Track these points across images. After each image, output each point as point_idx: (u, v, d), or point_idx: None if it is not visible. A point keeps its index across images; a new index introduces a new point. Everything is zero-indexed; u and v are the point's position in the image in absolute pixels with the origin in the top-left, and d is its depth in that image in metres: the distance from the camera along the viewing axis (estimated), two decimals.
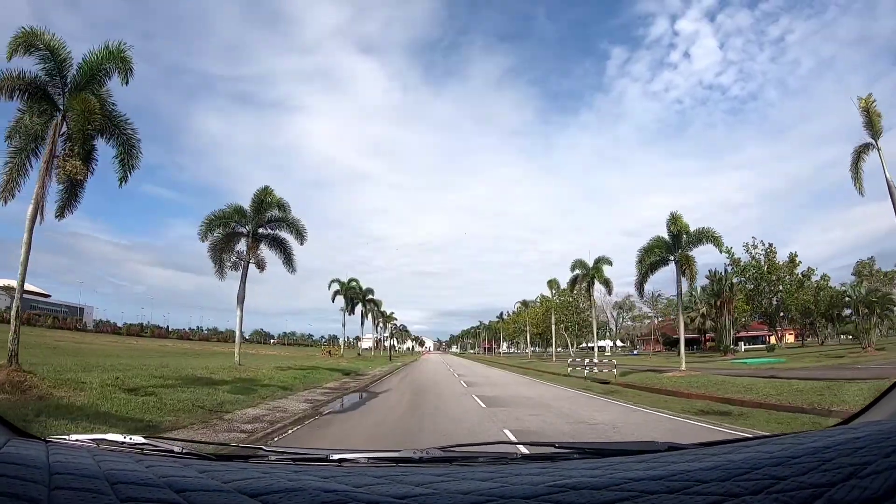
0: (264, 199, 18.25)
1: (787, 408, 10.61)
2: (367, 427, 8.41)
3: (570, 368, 23.01)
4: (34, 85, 10.54)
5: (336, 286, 38.14)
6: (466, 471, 0.85)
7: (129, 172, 11.59)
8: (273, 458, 1.16)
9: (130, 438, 1.16)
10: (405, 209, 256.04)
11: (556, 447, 1.24)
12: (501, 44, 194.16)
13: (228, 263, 18.26)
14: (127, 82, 11.29)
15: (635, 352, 61.58)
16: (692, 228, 19.93)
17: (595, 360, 23.29)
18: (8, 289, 63.32)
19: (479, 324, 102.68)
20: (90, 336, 51.04)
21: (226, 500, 0.61)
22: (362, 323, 45.36)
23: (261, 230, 18.80)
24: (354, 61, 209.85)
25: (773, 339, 57.57)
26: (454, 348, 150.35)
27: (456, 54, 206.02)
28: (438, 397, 12.78)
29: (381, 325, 56.96)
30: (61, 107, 11.12)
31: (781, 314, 48.53)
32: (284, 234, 19.02)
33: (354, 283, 39.44)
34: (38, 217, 10.14)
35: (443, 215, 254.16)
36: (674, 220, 19.55)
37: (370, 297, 43.21)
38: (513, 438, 6.61)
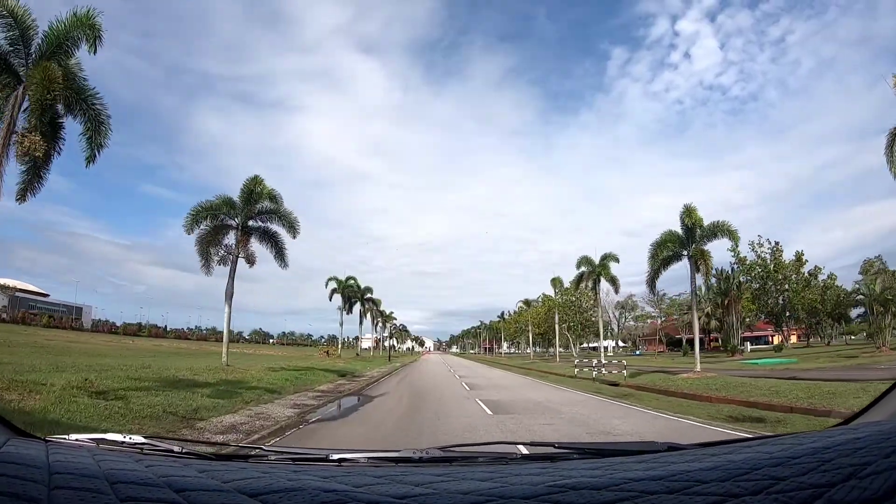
0: (254, 190, 17.07)
1: (823, 412, 9.50)
2: (356, 438, 7.27)
3: (577, 370, 21.81)
4: None
5: (333, 284, 36.88)
6: (466, 471, 0.84)
7: (98, 151, 10.50)
8: (273, 457, 1.14)
9: (130, 438, 1.14)
10: (405, 209, 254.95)
11: (555, 447, 1.20)
12: (502, 44, 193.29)
13: (216, 258, 17.09)
14: (95, 51, 10.19)
15: (637, 352, 60.35)
16: (703, 223, 18.81)
17: (603, 361, 22.09)
18: (3, 288, 62.69)
19: (479, 323, 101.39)
20: (85, 336, 49.81)
21: (225, 499, 0.61)
22: (360, 322, 44.13)
23: (251, 223, 17.62)
24: (355, 61, 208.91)
25: (776, 339, 56.51)
26: (454, 348, 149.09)
27: (456, 54, 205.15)
28: (439, 402, 11.60)
29: (380, 324, 55.68)
30: (25, 79, 10.01)
31: (788, 314, 47.33)
32: (276, 227, 17.86)
33: (352, 282, 38.12)
34: None
35: (443, 215, 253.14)
36: (688, 212, 18.38)
37: (369, 295, 41.96)
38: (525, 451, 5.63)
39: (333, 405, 11.24)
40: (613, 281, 26.61)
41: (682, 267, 19.63)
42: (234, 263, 17.11)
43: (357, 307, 41.15)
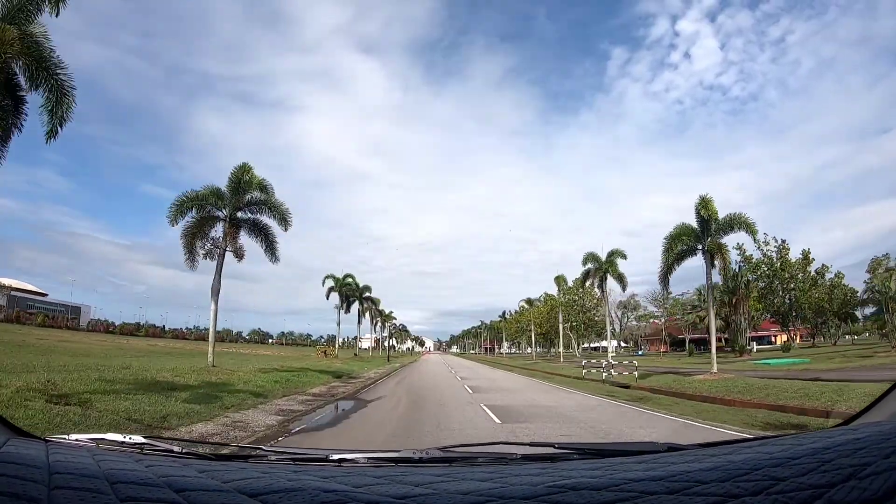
0: (242, 179, 15.91)
1: None
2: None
3: (584, 370, 20.63)
4: None
5: (330, 282, 35.55)
6: (466, 471, 0.83)
7: (60, 126, 9.38)
8: (273, 457, 1.13)
9: (130, 438, 1.13)
10: (405, 209, 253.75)
11: (555, 448, 1.18)
12: (502, 44, 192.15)
13: (202, 251, 15.91)
14: (58, 13, 9.06)
15: (640, 352, 59.15)
16: (718, 216, 17.66)
17: (612, 362, 20.91)
18: (1, 287, 61.71)
19: (480, 323, 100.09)
20: (80, 335, 48.63)
21: (225, 499, 0.61)
22: (359, 322, 42.84)
23: (239, 214, 16.45)
24: (355, 61, 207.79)
25: (779, 339, 55.38)
26: (454, 348, 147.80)
27: (456, 54, 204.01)
28: (440, 407, 10.43)
29: (379, 324, 54.41)
30: None
31: (794, 313, 46.16)
32: (266, 220, 16.69)
33: (350, 280, 36.80)
34: None
35: (443, 215, 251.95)
36: (704, 203, 17.21)
37: (367, 294, 40.69)
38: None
39: (323, 411, 10.07)
40: (621, 278, 25.45)
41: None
42: (222, 258, 15.94)
43: (355, 306, 39.93)
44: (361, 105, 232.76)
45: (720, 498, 0.56)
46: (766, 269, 43.26)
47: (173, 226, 15.66)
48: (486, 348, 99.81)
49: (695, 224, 17.94)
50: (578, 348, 52.54)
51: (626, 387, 17.69)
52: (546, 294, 47.66)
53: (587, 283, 27.52)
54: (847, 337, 55.38)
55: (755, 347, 46.49)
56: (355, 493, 0.62)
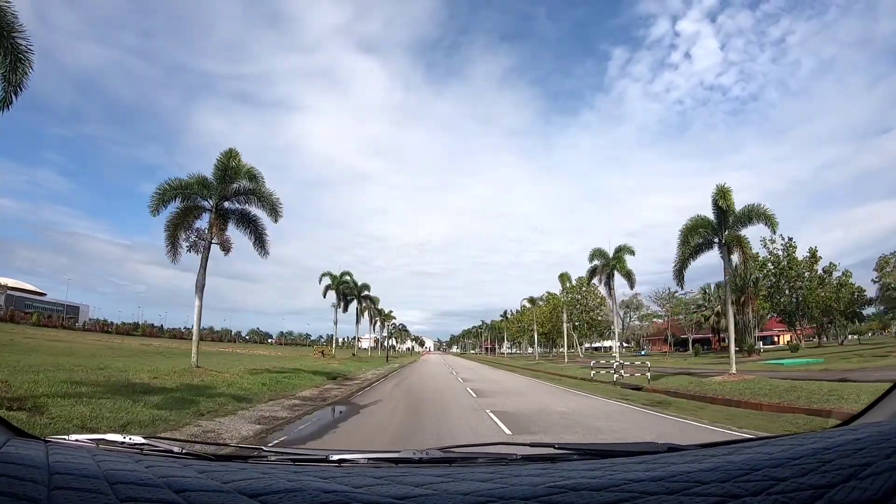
0: (229, 166, 14.73)
1: None
2: None
3: (592, 371, 19.44)
4: None
5: (327, 280, 34.25)
6: (466, 472, 0.82)
7: (15, 94, 8.24)
8: (272, 458, 1.11)
9: (130, 438, 1.12)
10: (405, 209, 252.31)
11: (555, 448, 1.16)
12: (502, 44, 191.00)
13: (186, 244, 14.74)
14: None
15: (642, 352, 57.97)
16: (735, 208, 16.51)
17: (622, 363, 19.71)
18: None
19: (480, 323, 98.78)
20: (75, 335, 47.31)
21: (225, 500, 0.60)
22: (357, 321, 41.51)
23: (226, 204, 15.28)
24: (355, 61, 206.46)
25: (783, 339, 54.21)
26: (454, 348, 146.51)
27: (457, 54, 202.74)
28: (442, 414, 9.23)
29: (378, 323, 53.12)
30: None
31: (802, 312, 44.97)
32: (255, 211, 15.51)
33: (348, 278, 35.49)
34: None
35: (443, 215, 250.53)
36: (722, 194, 16.03)
37: (366, 293, 39.39)
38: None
39: (311, 418, 8.88)
40: (629, 275, 24.23)
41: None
42: (207, 251, 14.75)
43: (354, 305, 38.70)
44: (362, 105, 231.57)
45: (720, 498, 0.56)
46: (772, 267, 42.16)
47: (154, 216, 14.49)
48: (486, 348, 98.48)
49: (711, 216, 16.78)
50: (582, 348, 51.33)
51: (639, 389, 16.54)
52: (548, 293, 46.49)
53: (593, 281, 26.19)
54: (853, 337, 54.37)
55: (761, 347, 45.32)
56: (355, 493, 0.62)
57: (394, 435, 7.16)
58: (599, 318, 47.67)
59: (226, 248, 14.94)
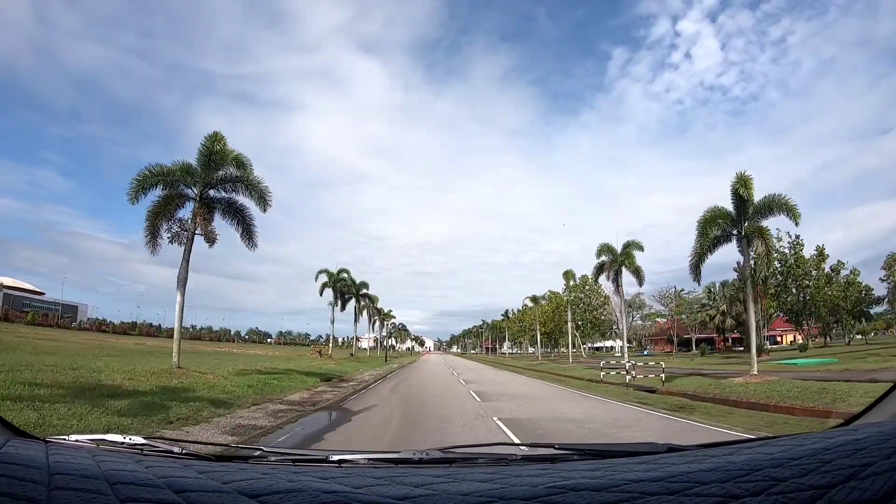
0: (213, 150, 13.58)
1: None
2: None
3: (602, 373, 18.29)
4: None
5: (324, 278, 32.97)
6: (466, 472, 0.82)
7: None
8: (273, 458, 1.10)
9: (130, 439, 1.11)
10: (405, 209, 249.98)
11: (556, 448, 1.15)
12: (502, 44, 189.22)
13: (167, 235, 13.60)
14: None
15: (645, 352, 56.82)
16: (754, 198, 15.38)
17: (632, 363, 18.55)
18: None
19: (481, 323, 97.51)
20: (69, 334, 46.22)
21: (225, 500, 0.60)
22: (356, 320, 40.22)
23: (212, 192, 14.14)
24: (355, 61, 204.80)
25: (786, 339, 53.08)
26: (454, 348, 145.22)
27: (457, 54, 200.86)
28: (444, 422, 8.06)
29: (377, 323, 51.89)
30: None
31: (809, 311, 43.83)
32: (243, 200, 14.36)
33: (345, 275, 34.21)
34: None
35: (443, 215, 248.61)
36: (743, 182, 14.88)
37: (364, 291, 38.10)
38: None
39: (293, 428, 7.72)
40: (638, 272, 23.03)
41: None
42: (190, 242, 13.60)
43: (352, 304, 37.51)
44: (362, 105, 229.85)
45: (720, 499, 0.56)
46: (779, 265, 41.05)
47: (133, 204, 13.36)
48: (486, 348, 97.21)
49: (729, 207, 15.66)
50: (585, 348, 50.16)
51: (653, 391, 15.41)
52: (550, 291, 45.27)
53: (600, 278, 24.97)
54: (858, 337, 53.34)
55: (768, 347, 44.17)
56: (355, 493, 0.62)
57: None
58: (603, 317, 46.49)
59: (210, 239, 13.80)
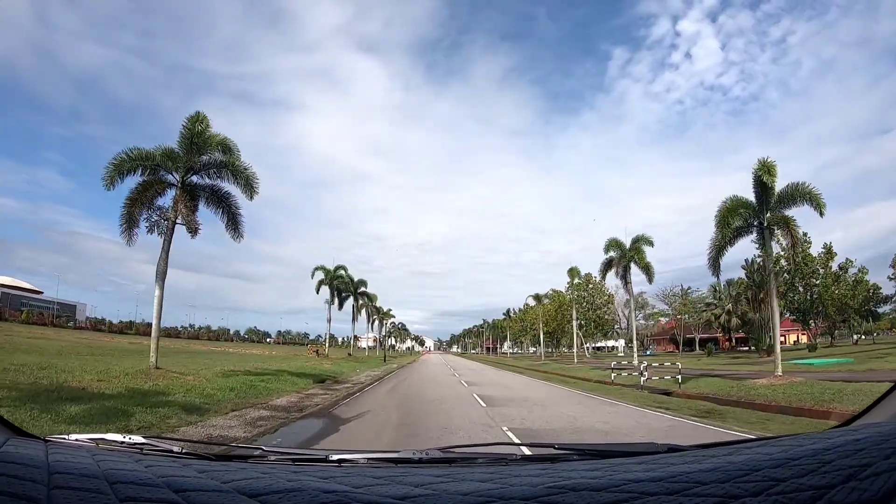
0: (195, 131, 12.44)
1: None
2: None
3: (613, 374, 17.16)
4: None
5: (320, 275, 31.68)
6: (466, 472, 0.82)
7: None
8: (272, 458, 1.08)
9: (130, 438, 1.11)
10: (405, 209, 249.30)
11: (556, 448, 1.13)
12: (503, 43, 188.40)
13: (146, 223, 12.47)
14: None
15: (648, 352, 55.67)
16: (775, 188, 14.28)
17: (645, 364, 17.40)
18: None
19: (482, 322, 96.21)
20: (63, 332, 45.11)
21: (225, 500, 0.59)
22: (354, 319, 38.98)
23: (194, 178, 13.01)
24: (355, 60, 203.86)
25: (789, 339, 51.95)
26: (454, 348, 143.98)
27: (457, 54, 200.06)
28: (446, 433, 6.88)
29: (376, 322, 50.65)
30: None
31: (817, 311, 42.69)
32: (228, 187, 13.22)
33: (342, 272, 32.94)
34: None
35: (443, 215, 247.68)
36: (767, 168, 13.74)
37: (363, 289, 36.86)
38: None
39: (269, 440, 6.58)
40: (647, 268, 21.85)
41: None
42: (171, 232, 12.48)
43: (349, 302, 36.30)
44: (362, 105, 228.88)
45: (720, 499, 0.56)
46: (785, 264, 39.96)
47: (108, 189, 12.21)
48: (487, 348, 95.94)
49: (750, 197, 14.54)
50: (588, 348, 49.00)
51: (668, 393, 14.31)
52: (553, 290, 44.06)
53: (609, 274, 23.79)
54: (866, 336, 52.30)
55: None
56: (355, 493, 0.61)
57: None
58: (607, 316, 45.35)
59: (192, 228, 12.65)
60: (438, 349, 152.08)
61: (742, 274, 41.97)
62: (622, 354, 56.43)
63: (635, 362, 17.61)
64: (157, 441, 1.12)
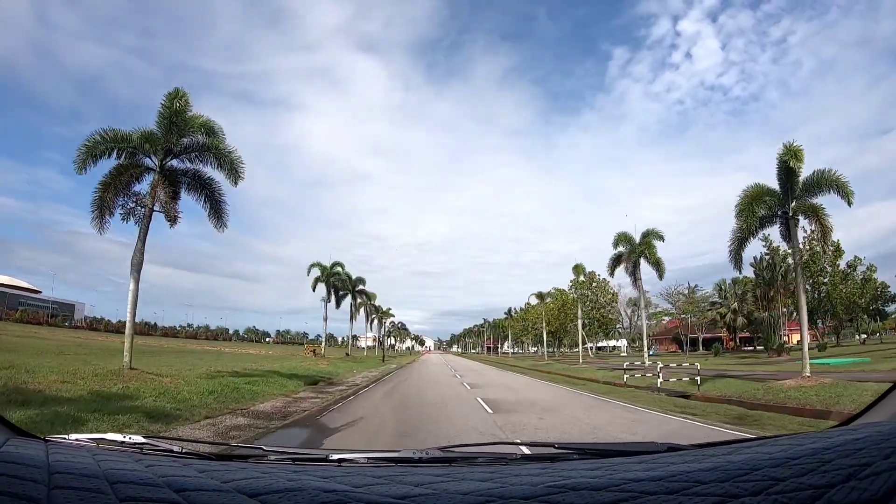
0: (175, 111, 11.35)
1: None
2: None
3: (626, 375, 16.07)
4: None
5: (316, 272, 30.46)
6: (466, 471, 0.81)
7: None
8: (273, 457, 1.08)
9: (130, 438, 1.10)
10: (405, 209, 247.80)
11: (555, 447, 1.14)
12: (503, 43, 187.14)
13: (120, 211, 11.40)
14: None
15: (651, 352, 54.56)
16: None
17: (661, 365, 16.30)
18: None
19: (482, 322, 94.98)
20: (57, 332, 44.10)
21: (225, 499, 0.59)
22: (352, 318, 37.81)
23: (174, 162, 11.93)
24: (355, 60, 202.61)
25: (793, 339, 50.91)
26: (455, 348, 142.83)
27: (458, 54, 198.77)
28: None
29: (375, 321, 49.50)
30: None
31: (825, 309, 41.62)
32: (211, 171, 12.14)
33: (339, 269, 31.71)
34: None
35: (443, 215, 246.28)
36: (794, 153, 12.68)
37: (361, 287, 35.72)
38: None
39: None
40: (658, 264, 20.76)
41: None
42: (148, 220, 11.40)
43: (347, 301, 35.16)
44: (362, 105, 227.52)
45: (720, 498, 0.56)
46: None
47: (80, 173, 11.14)
48: (488, 348, 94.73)
49: (774, 185, 13.47)
50: (591, 348, 47.91)
51: (686, 396, 13.24)
52: (556, 289, 42.93)
53: (616, 270, 22.65)
54: (870, 336, 51.28)
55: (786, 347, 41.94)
56: (355, 493, 0.61)
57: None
58: (610, 316, 44.26)
59: (171, 216, 11.57)
60: (438, 349, 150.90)
61: (737, 274, 40.89)
62: (625, 354, 55.33)
63: (646, 362, 16.55)
64: (157, 441, 1.11)
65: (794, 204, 13.31)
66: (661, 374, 14.33)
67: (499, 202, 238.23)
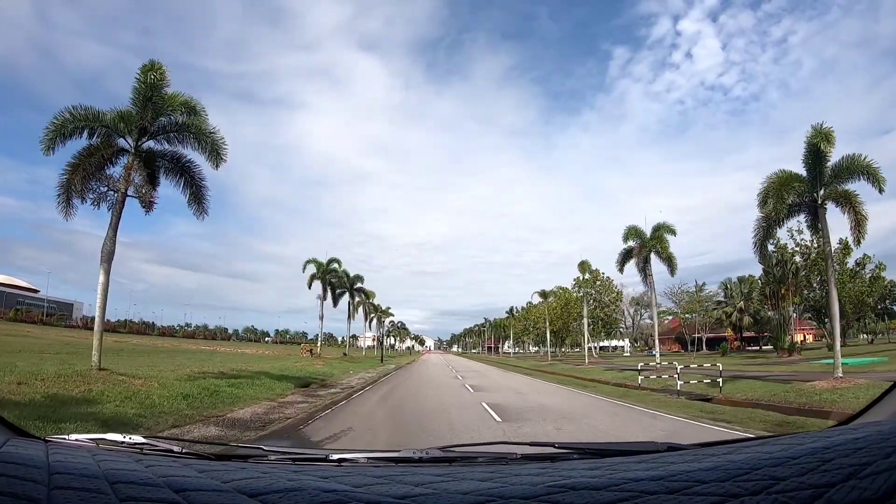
0: (150, 85, 10.28)
1: None
2: None
3: (640, 376, 15.00)
4: None
5: (312, 268, 29.34)
6: (466, 471, 0.81)
7: None
8: (273, 457, 1.07)
9: (130, 438, 1.08)
10: (405, 209, 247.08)
11: (555, 447, 1.13)
12: (503, 43, 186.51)
13: (90, 195, 10.33)
14: None
15: (654, 352, 53.49)
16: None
17: (681, 366, 15.22)
18: None
19: (483, 321, 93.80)
20: (50, 331, 43.01)
21: (225, 499, 0.59)
22: (349, 317, 36.66)
23: (150, 143, 10.86)
24: (356, 59, 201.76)
25: (797, 338, 49.88)
26: (455, 348, 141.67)
27: (458, 53, 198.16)
28: None
29: (374, 320, 48.36)
30: None
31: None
32: (191, 153, 11.08)
33: (336, 266, 30.55)
34: None
35: (443, 215, 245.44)
36: (824, 136, 11.65)
37: (359, 285, 34.64)
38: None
39: None
40: (670, 259, 19.70)
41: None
42: (121, 206, 10.33)
43: (345, 299, 34.06)
44: (362, 104, 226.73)
45: (720, 497, 0.56)
46: (800, 260, 37.89)
47: (47, 154, 10.09)
48: (488, 347, 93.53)
49: (801, 171, 12.43)
50: (595, 347, 46.80)
51: (707, 399, 12.20)
52: (559, 287, 41.83)
53: (626, 265, 21.51)
54: (876, 335, 50.28)
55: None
56: (355, 492, 0.61)
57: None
58: (615, 315, 43.20)
59: (146, 202, 10.51)
60: (438, 349, 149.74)
61: (742, 273, 39.77)
62: (627, 354, 54.22)
63: (658, 363, 15.51)
64: (157, 441, 1.10)
65: (822, 191, 12.27)
66: (680, 377, 13.24)
67: (499, 202, 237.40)
